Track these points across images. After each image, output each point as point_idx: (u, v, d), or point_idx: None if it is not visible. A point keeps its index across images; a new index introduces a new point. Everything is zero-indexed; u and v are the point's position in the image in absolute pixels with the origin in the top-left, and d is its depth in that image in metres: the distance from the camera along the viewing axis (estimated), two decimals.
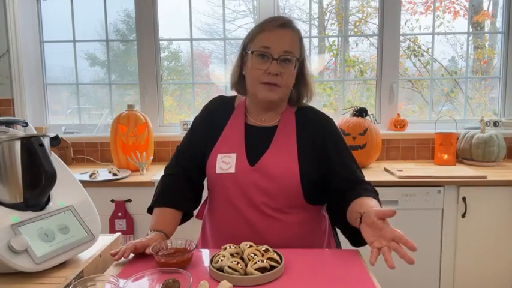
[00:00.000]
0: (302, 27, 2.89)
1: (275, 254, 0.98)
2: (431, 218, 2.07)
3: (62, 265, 0.97)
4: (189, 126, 1.34)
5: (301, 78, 1.23)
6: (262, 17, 1.21)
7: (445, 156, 2.45)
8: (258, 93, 1.17)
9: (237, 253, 0.99)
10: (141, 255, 1.05)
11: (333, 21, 3.03)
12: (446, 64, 2.92)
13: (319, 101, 2.90)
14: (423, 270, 2.10)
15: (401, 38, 2.75)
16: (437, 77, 2.91)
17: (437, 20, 2.77)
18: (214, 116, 1.28)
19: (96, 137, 2.72)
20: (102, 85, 2.93)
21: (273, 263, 0.93)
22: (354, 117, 2.40)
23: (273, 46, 1.13)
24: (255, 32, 1.18)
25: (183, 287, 0.83)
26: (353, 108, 2.45)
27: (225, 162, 1.18)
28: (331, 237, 1.31)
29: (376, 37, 2.76)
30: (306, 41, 2.81)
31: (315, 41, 2.98)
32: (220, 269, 0.92)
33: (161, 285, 0.83)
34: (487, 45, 2.92)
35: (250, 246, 1.01)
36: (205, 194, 1.33)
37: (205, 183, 1.31)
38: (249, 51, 1.17)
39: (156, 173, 2.28)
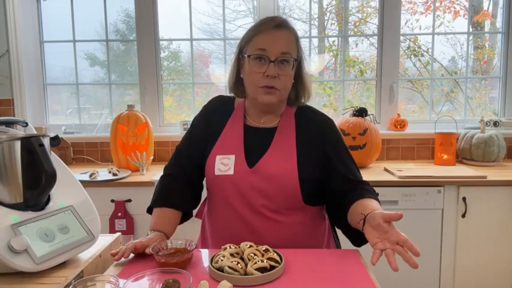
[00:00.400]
0: (302, 27, 2.89)
1: (275, 254, 0.98)
2: (431, 218, 2.07)
3: (62, 265, 0.97)
4: (189, 126, 1.33)
5: (299, 78, 1.22)
6: (262, 17, 1.20)
7: (445, 156, 2.45)
8: (257, 97, 1.17)
9: (237, 253, 0.99)
10: (141, 255, 1.05)
11: (333, 21, 3.03)
12: (446, 64, 2.92)
13: (319, 101, 2.90)
14: (423, 270, 2.10)
15: (401, 38, 2.75)
16: (437, 77, 2.91)
17: (437, 20, 2.77)
18: (214, 116, 1.28)
19: (96, 137, 2.72)
20: (102, 85, 2.93)
21: (273, 263, 0.93)
22: (354, 117, 2.40)
23: (269, 48, 1.12)
24: (250, 35, 1.17)
25: (183, 287, 0.83)
26: (353, 108, 2.45)
27: (224, 164, 1.17)
28: (331, 237, 1.31)
29: (376, 37, 2.76)
30: (305, 41, 2.83)
31: (315, 41, 2.98)
32: (220, 269, 0.92)
33: (161, 285, 0.83)
34: (487, 45, 2.92)
35: (250, 246, 1.01)
36: (204, 193, 1.32)
37: (204, 183, 1.31)
38: (246, 55, 1.16)
39: (156, 173, 2.28)
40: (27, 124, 1.13)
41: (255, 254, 0.96)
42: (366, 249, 1.17)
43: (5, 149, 0.93)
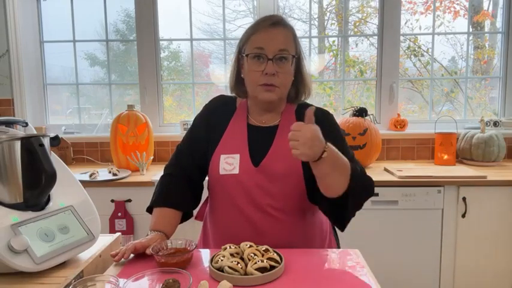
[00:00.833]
0: (302, 27, 2.89)
1: (275, 254, 0.98)
2: (431, 218, 2.07)
3: (62, 265, 0.97)
4: (189, 126, 1.33)
5: (299, 75, 1.22)
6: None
7: (445, 156, 2.45)
8: (258, 95, 1.17)
9: (237, 253, 0.99)
10: (141, 255, 1.05)
11: (333, 21, 3.03)
12: (446, 64, 2.92)
13: (319, 101, 2.90)
14: (423, 270, 2.10)
15: (401, 38, 2.75)
16: (437, 77, 2.91)
17: (437, 20, 2.77)
18: (215, 116, 1.28)
19: (96, 137, 2.72)
20: (102, 85, 2.93)
21: (273, 263, 0.93)
22: (354, 117, 2.40)
23: (266, 46, 1.13)
24: (248, 34, 1.17)
25: (183, 287, 0.83)
26: (353, 108, 2.45)
27: (229, 163, 1.17)
28: (331, 237, 1.31)
29: (376, 37, 2.76)
30: (305, 41, 2.83)
31: (315, 41, 2.98)
32: (220, 269, 0.92)
33: (161, 285, 0.83)
34: (487, 45, 2.92)
35: (250, 246, 1.01)
36: (205, 194, 1.32)
37: (205, 183, 1.31)
38: (245, 55, 1.16)
39: (156, 173, 2.28)
40: (27, 124, 1.13)
41: (255, 254, 0.96)
42: (366, 249, 1.17)
43: (5, 149, 0.93)
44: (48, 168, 0.94)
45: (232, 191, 1.17)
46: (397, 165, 2.38)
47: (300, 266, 0.99)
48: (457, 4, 2.83)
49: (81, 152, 2.72)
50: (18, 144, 0.94)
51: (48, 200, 1.02)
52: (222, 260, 0.94)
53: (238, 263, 0.92)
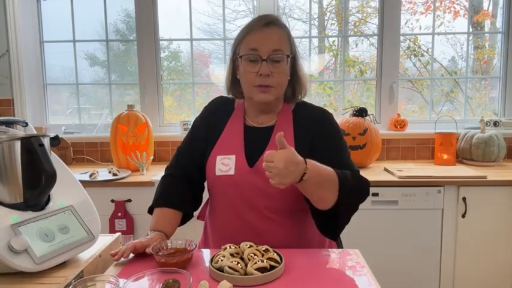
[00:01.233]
0: (302, 27, 2.89)
1: (275, 254, 0.98)
2: (431, 218, 2.07)
3: (62, 265, 0.97)
4: (189, 126, 1.34)
5: (295, 75, 1.21)
6: None
7: (445, 156, 2.45)
8: (254, 96, 1.16)
9: (237, 253, 0.99)
10: (141, 255, 1.06)
11: (333, 21, 3.03)
12: (446, 64, 2.92)
13: (319, 101, 2.90)
14: (423, 270, 2.10)
15: (401, 38, 2.75)
16: (437, 77, 2.91)
17: (437, 20, 2.77)
18: (214, 117, 1.28)
19: (96, 137, 2.72)
20: (102, 85, 2.93)
21: (273, 263, 0.93)
22: (354, 117, 2.40)
23: (260, 47, 1.12)
24: (241, 35, 1.17)
25: (183, 287, 0.83)
26: (353, 108, 2.45)
27: (225, 164, 1.17)
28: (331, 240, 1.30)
29: (376, 37, 2.76)
30: (305, 41, 2.83)
31: (315, 41, 2.98)
32: (220, 269, 0.92)
33: (161, 285, 0.83)
34: (487, 45, 2.92)
35: (250, 246, 1.01)
36: (206, 195, 1.33)
37: (205, 184, 1.31)
38: (239, 56, 1.16)
39: (156, 173, 2.28)
40: (27, 124, 1.13)
41: (255, 254, 0.96)
42: (366, 249, 1.17)
43: (5, 149, 0.93)
44: (48, 168, 0.94)
45: (228, 192, 1.17)
46: (397, 165, 2.38)
47: (300, 266, 0.99)
48: (457, 4, 2.83)
49: (81, 152, 2.72)
50: (18, 144, 0.94)
51: (48, 200, 1.02)
52: (222, 260, 0.94)
53: (238, 263, 0.92)
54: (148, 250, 1.02)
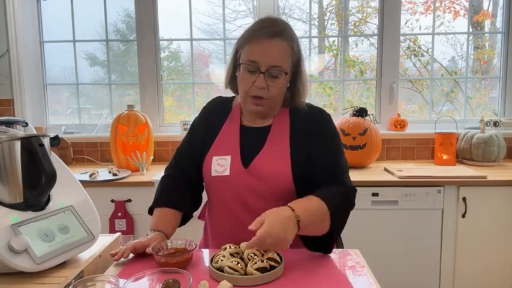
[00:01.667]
0: (302, 27, 2.89)
1: (275, 254, 0.98)
2: (431, 218, 2.07)
3: (62, 265, 0.97)
4: (189, 126, 1.34)
5: (297, 78, 1.18)
6: (262, 17, 1.19)
7: (445, 156, 2.45)
8: (246, 105, 1.16)
9: (237, 253, 0.99)
10: (141, 255, 1.06)
11: (333, 21, 3.03)
12: (446, 64, 2.92)
13: (319, 101, 2.90)
14: (423, 270, 2.10)
15: (401, 38, 2.75)
16: (437, 77, 2.91)
17: (437, 20, 2.77)
18: (212, 117, 1.28)
19: (96, 137, 2.72)
20: (102, 85, 2.93)
21: (272, 263, 0.94)
22: (354, 117, 2.40)
23: (260, 60, 1.09)
24: (245, 39, 1.13)
25: (183, 287, 0.83)
26: (353, 108, 2.45)
27: (220, 165, 1.17)
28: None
29: (376, 37, 2.76)
30: (305, 41, 2.82)
31: (315, 41, 2.98)
32: (220, 269, 0.92)
33: (161, 285, 0.83)
34: (487, 45, 2.92)
35: None
36: (206, 195, 1.32)
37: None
38: (238, 64, 1.14)
39: (156, 173, 2.28)
40: (27, 124, 1.13)
41: (255, 254, 0.96)
42: (366, 249, 1.17)
43: (5, 149, 0.93)
44: (48, 168, 0.94)
45: (224, 193, 1.17)
46: (397, 165, 2.38)
47: (300, 266, 0.99)
48: (457, 4, 2.83)
49: (81, 152, 2.72)
50: (18, 144, 0.94)
51: (48, 200, 1.02)
52: (222, 260, 0.94)
53: (238, 263, 0.92)
54: (149, 250, 1.02)
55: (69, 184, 1.10)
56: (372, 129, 2.35)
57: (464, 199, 2.03)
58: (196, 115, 1.34)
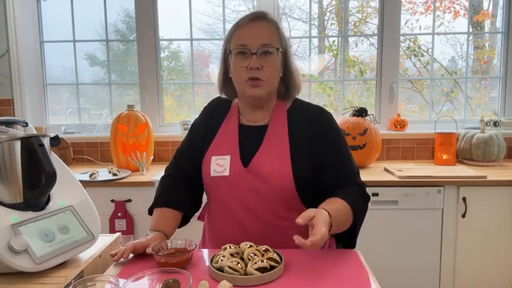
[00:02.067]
0: (302, 27, 2.89)
1: (275, 254, 0.98)
2: (431, 218, 2.07)
3: (62, 265, 0.97)
4: (189, 126, 1.34)
5: (286, 70, 1.20)
6: None
7: (445, 156, 2.45)
8: (245, 91, 1.16)
9: (237, 253, 0.99)
10: (141, 255, 1.05)
11: (333, 21, 3.03)
12: (446, 64, 2.92)
13: (319, 101, 2.90)
14: (423, 270, 2.10)
15: (401, 38, 2.75)
16: (437, 77, 2.91)
17: (437, 20, 2.77)
18: (212, 117, 1.28)
19: (96, 137, 2.72)
20: (102, 85, 2.93)
21: (273, 263, 0.93)
22: (354, 117, 2.40)
23: (249, 42, 1.12)
24: (230, 33, 1.17)
25: (183, 287, 0.83)
26: (353, 108, 2.45)
27: (219, 165, 1.16)
28: (331, 242, 1.29)
29: (376, 37, 2.76)
30: (305, 41, 2.83)
31: (315, 41, 2.98)
32: (220, 269, 0.92)
33: (161, 285, 0.83)
34: (487, 45, 2.92)
35: (250, 246, 1.01)
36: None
37: None
38: (229, 52, 1.16)
39: (156, 173, 2.28)
40: (27, 124, 1.13)
41: (255, 254, 0.96)
42: (365, 249, 1.17)
43: (5, 149, 0.93)
44: (48, 168, 0.95)
45: (223, 194, 1.16)
46: (397, 165, 2.38)
47: (300, 266, 0.99)
48: (457, 4, 2.83)
49: (81, 152, 2.72)
50: (18, 144, 0.94)
51: (48, 200, 1.02)
52: (222, 260, 0.94)
53: (238, 263, 0.92)
54: (149, 250, 1.01)
55: (69, 184, 1.10)
56: (372, 129, 2.35)
57: (464, 199, 2.03)
58: (197, 115, 1.34)
